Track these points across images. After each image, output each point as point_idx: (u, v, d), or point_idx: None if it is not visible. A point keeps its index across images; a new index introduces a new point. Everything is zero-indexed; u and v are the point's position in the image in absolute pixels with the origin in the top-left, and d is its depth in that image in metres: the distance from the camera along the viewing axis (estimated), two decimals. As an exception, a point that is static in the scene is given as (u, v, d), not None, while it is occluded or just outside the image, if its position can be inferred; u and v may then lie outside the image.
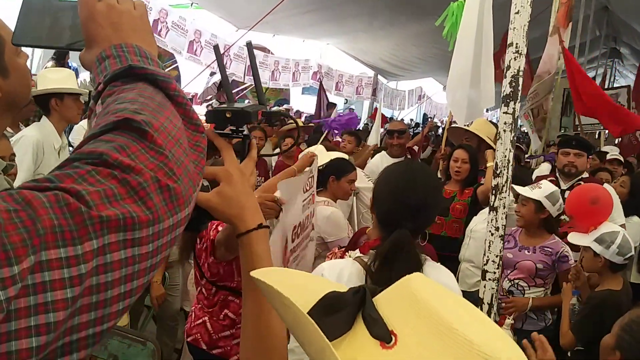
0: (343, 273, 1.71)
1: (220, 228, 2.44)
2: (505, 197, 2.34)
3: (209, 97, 12.88)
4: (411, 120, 20.33)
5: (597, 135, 7.62)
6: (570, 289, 3.22)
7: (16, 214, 0.54)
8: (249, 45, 1.28)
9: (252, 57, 1.24)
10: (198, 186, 0.76)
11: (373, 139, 6.59)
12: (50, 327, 0.54)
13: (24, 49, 1.17)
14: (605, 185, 4.29)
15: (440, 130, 12.72)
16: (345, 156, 3.92)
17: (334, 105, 12.09)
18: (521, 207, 3.43)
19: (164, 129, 0.70)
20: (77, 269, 0.56)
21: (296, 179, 2.71)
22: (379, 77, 14.84)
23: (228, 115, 1.06)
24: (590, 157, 4.46)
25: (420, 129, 16.19)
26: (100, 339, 0.63)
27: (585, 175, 4.44)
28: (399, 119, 19.95)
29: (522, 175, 4.06)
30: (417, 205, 1.69)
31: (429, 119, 15.41)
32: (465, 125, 4.91)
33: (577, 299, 3.16)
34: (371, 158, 5.47)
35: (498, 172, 2.33)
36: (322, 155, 3.82)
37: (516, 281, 3.38)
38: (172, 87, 0.80)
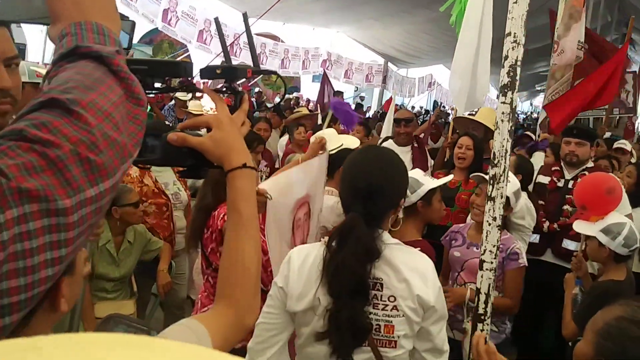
0: (309, 257, 1.74)
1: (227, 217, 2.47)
2: (502, 187, 2.34)
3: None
4: (421, 107, 20.26)
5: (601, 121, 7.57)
6: (572, 278, 3.22)
7: None
8: (244, 15, 1.40)
9: (247, 29, 1.39)
10: (131, 157, 0.80)
11: (385, 131, 6.54)
12: None
13: None
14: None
15: (450, 118, 12.69)
16: (357, 140, 3.92)
17: (341, 93, 12.07)
18: (476, 198, 3.31)
19: (94, 104, 0.74)
20: None
21: (281, 179, 2.67)
22: (389, 64, 14.78)
23: (218, 72, 1.21)
24: (593, 146, 4.40)
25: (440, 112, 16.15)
26: (32, 304, 0.67)
27: (590, 164, 4.39)
28: (409, 106, 19.89)
29: (524, 164, 4.04)
30: (367, 189, 1.71)
31: (439, 107, 15.34)
32: (471, 115, 4.90)
33: (580, 289, 3.16)
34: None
35: (496, 162, 2.33)
36: (334, 139, 3.83)
37: (467, 284, 3.11)
38: (114, 62, 0.83)
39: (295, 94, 15.35)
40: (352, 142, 4.29)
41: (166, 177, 4.03)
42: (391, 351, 1.73)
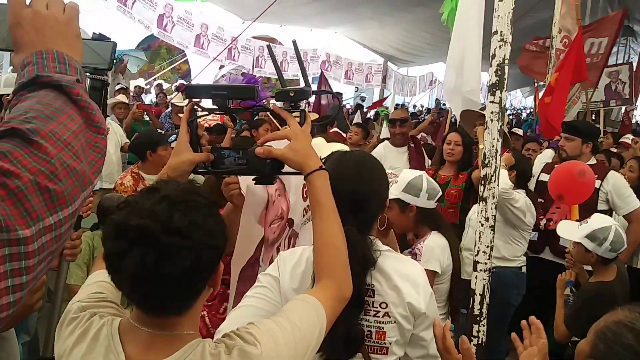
0: (302, 258, 1.67)
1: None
2: (494, 187, 2.32)
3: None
4: (422, 106, 20.22)
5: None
6: (563, 280, 3.17)
7: None
8: (294, 43, 1.66)
9: (297, 53, 1.62)
10: (91, 184, 0.82)
11: (385, 132, 6.49)
12: None
13: None
14: (612, 172, 4.20)
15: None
16: (346, 147, 3.89)
17: (340, 94, 12.04)
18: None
19: (53, 134, 0.76)
20: None
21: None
22: (389, 63, 14.74)
23: (291, 94, 1.44)
24: (588, 143, 4.27)
25: (438, 113, 16.10)
26: None
27: (593, 161, 4.24)
28: (410, 105, 19.82)
29: (518, 161, 3.98)
30: (354, 200, 1.64)
31: (436, 106, 15.28)
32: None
33: (571, 290, 3.11)
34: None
35: (486, 162, 2.31)
36: (322, 147, 3.80)
37: None
38: (74, 92, 0.84)
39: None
40: (341, 149, 4.26)
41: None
42: (382, 357, 1.71)
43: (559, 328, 2.93)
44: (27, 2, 0.95)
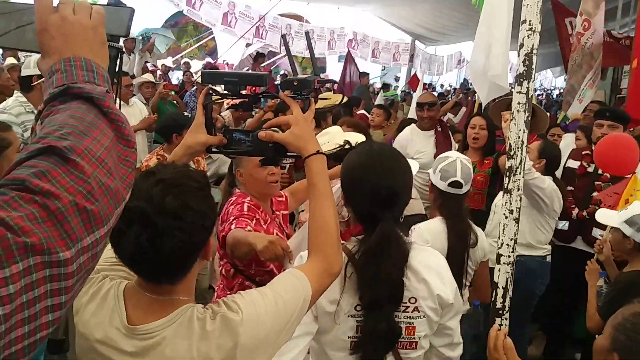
0: None
1: (233, 227, 2.43)
2: (519, 179, 2.27)
3: (245, 69, 12.90)
4: (450, 85, 19.93)
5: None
6: (596, 269, 3.12)
7: None
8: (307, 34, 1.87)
9: (309, 43, 1.81)
10: (124, 201, 0.83)
11: (412, 112, 6.40)
12: None
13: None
14: None
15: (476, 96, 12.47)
16: (362, 137, 3.86)
17: (366, 74, 11.90)
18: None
19: (88, 151, 0.76)
20: (5, 289, 0.63)
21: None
22: (417, 42, 14.53)
23: (295, 83, 1.54)
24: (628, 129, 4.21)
25: (462, 95, 15.85)
26: (36, 348, 0.70)
27: None
28: (437, 84, 19.57)
29: (548, 148, 3.90)
30: (390, 196, 1.66)
31: (461, 87, 14.99)
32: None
33: (605, 281, 3.06)
34: (400, 131, 5.39)
35: (512, 153, 2.26)
36: (337, 136, 3.78)
37: None
38: (105, 104, 0.85)
39: (321, 75, 15.24)
40: (358, 139, 4.23)
41: (185, 167, 4.04)
42: (411, 352, 1.72)
43: (592, 317, 2.90)
44: (54, 6, 0.94)
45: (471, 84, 16.39)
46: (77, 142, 0.76)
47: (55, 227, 0.68)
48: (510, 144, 2.25)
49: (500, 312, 2.34)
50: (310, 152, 1.49)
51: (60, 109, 0.82)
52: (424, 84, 13.44)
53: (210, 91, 1.59)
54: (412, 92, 13.11)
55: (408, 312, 1.68)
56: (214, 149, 1.60)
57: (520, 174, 2.25)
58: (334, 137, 3.78)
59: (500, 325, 2.35)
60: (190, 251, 1.23)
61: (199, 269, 1.33)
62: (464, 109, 10.19)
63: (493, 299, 2.36)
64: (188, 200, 1.19)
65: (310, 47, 1.78)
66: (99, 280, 1.33)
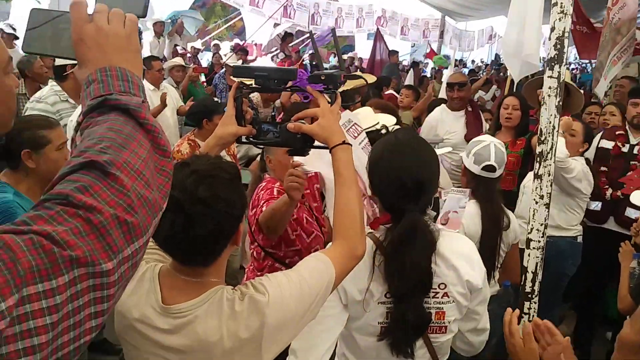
0: None
1: (265, 208, 2.47)
2: (550, 165, 2.26)
3: (273, 49, 12.89)
4: (481, 60, 19.56)
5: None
6: (630, 251, 3.09)
7: None
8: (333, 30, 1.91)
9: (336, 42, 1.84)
10: (161, 210, 0.86)
11: (444, 92, 6.33)
12: (35, 348, 0.66)
13: None
14: None
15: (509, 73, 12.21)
16: (392, 118, 3.84)
17: (396, 52, 11.75)
18: None
19: (127, 164, 0.80)
20: (52, 299, 0.67)
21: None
22: (447, 18, 14.26)
23: (322, 78, 1.62)
24: None
25: (494, 71, 15.55)
26: (80, 352, 0.74)
27: None
28: (468, 60, 19.23)
29: (590, 132, 3.83)
30: (417, 186, 1.67)
31: (490, 65, 14.65)
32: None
33: (639, 262, 3.03)
34: (430, 111, 5.35)
35: (543, 138, 2.25)
36: (368, 117, 3.78)
37: None
38: (141, 116, 0.87)
39: (350, 54, 15.09)
40: (388, 121, 4.22)
41: (216, 152, 4.09)
42: (441, 336, 1.75)
43: (623, 299, 2.89)
44: (90, 14, 0.97)
45: (503, 60, 16.10)
46: (116, 155, 0.79)
47: (98, 239, 0.72)
48: (540, 128, 2.23)
49: (530, 295, 2.35)
50: (336, 142, 1.56)
51: (98, 121, 0.85)
52: (455, 60, 13.24)
53: (241, 85, 1.67)
54: (441, 70, 12.93)
55: (438, 297, 1.70)
56: (243, 139, 1.69)
57: (550, 159, 2.24)
58: (364, 119, 3.77)
59: (529, 309, 2.37)
60: (220, 237, 1.32)
61: (229, 253, 1.41)
62: (494, 86, 10.01)
63: (522, 282, 2.37)
64: (219, 190, 1.28)
65: (336, 43, 1.83)
66: None
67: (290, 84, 1.64)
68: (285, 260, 2.65)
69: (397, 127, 4.26)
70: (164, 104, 5.16)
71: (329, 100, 1.62)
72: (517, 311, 1.67)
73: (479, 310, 1.79)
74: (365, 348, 1.76)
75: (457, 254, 1.72)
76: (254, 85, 1.66)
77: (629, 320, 1.69)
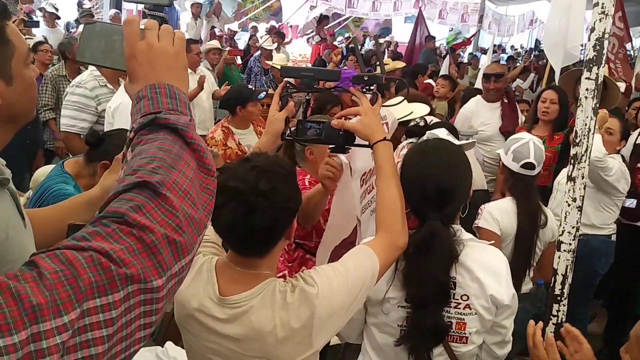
0: None
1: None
2: (584, 167, 2.22)
3: (309, 31, 12.84)
4: (521, 46, 19.12)
5: None
6: None
7: (62, 273, 0.70)
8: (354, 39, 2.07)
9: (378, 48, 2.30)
10: (205, 227, 0.91)
11: (480, 82, 6.23)
12: (92, 358, 0.71)
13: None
14: None
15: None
16: (427, 108, 3.81)
17: (433, 38, 11.55)
18: None
19: (176, 184, 0.84)
20: (109, 313, 0.72)
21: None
22: (487, 2, 13.94)
23: (365, 78, 1.71)
24: None
25: (533, 56, 15.20)
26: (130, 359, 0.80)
27: None
28: (507, 46, 18.82)
29: (628, 128, 3.74)
30: (439, 194, 1.68)
31: (528, 52, 14.24)
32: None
33: None
34: (465, 102, 5.28)
35: (577, 140, 2.21)
36: (401, 108, 3.76)
37: None
38: (189, 135, 0.92)
39: (386, 38, 14.92)
40: (421, 110, 4.18)
41: (249, 139, 4.13)
42: (462, 346, 1.75)
43: None
44: (142, 28, 1.01)
45: (544, 48, 15.72)
46: (166, 176, 0.83)
47: (150, 257, 0.77)
48: (576, 130, 2.20)
49: (559, 298, 2.33)
50: (378, 139, 1.64)
51: (149, 139, 0.90)
52: (494, 46, 12.97)
53: (288, 84, 1.79)
54: (478, 55, 12.69)
55: (459, 308, 1.71)
56: (287, 137, 1.80)
57: (585, 161, 2.21)
58: (397, 108, 3.75)
59: (558, 311, 2.35)
60: (277, 229, 1.41)
61: (283, 247, 1.51)
62: (533, 75, 9.78)
63: (552, 285, 2.35)
64: (277, 184, 1.38)
65: (378, 49, 1.87)
66: None
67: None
68: (315, 252, 2.68)
69: (431, 117, 4.25)
70: (201, 87, 5.21)
71: (371, 100, 1.71)
72: (541, 323, 1.66)
73: (506, 324, 1.78)
74: (384, 346, 1.78)
75: (484, 267, 1.71)
76: (299, 86, 1.76)
77: None
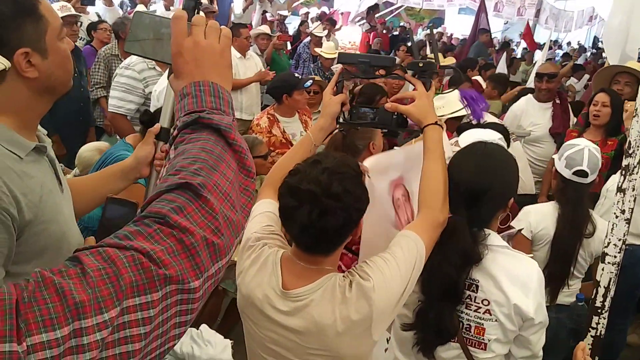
0: None
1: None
2: (635, 179, 2.14)
3: (357, 19, 12.78)
4: (578, 43, 18.50)
5: None
6: None
7: (105, 271, 0.72)
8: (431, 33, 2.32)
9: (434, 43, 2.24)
10: (243, 229, 0.92)
11: (532, 81, 6.09)
12: (129, 354, 0.73)
13: None
14: None
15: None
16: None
17: (486, 31, 11.28)
18: None
19: (216, 186, 0.85)
20: (147, 312, 0.74)
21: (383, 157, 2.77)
22: (545, -5, 13.51)
23: (420, 65, 1.77)
24: None
25: (589, 54, 14.72)
26: (164, 357, 0.82)
27: None
28: (564, 42, 18.26)
29: None
30: (470, 193, 1.68)
31: (577, 49, 13.71)
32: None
33: None
34: (515, 100, 5.17)
35: (631, 151, 2.13)
36: (454, 102, 3.72)
37: None
38: (231, 136, 0.93)
39: (439, 29, 14.68)
40: None
41: (294, 127, 4.15)
42: (481, 352, 1.73)
43: None
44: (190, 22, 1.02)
45: (603, 46, 15.17)
46: (208, 177, 0.85)
47: (188, 259, 0.78)
48: (630, 141, 2.12)
49: (599, 310, 2.27)
50: (429, 122, 1.71)
51: (192, 138, 0.91)
52: (550, 41, 12.58)
53: (344, 70, 1.83)
54: (532, 51, 12.33)
55: (479, 312, 1.70)
56: (341, 122, 1.85)
57: (637, 173, 2.13)
58: (449, 102, 3.72)
59: (598, 324, 2.29)
60: (347, 228, 1.46)
61: (345, 244, 1.55)
62: (587, 75, 9.45)
63: (593, 296, 2.29)
64: (348, 185, 1.42)
65: (433, 38, 2.02)
66: (259, 247, 1.58)
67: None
68: (352, 247, 2.69)
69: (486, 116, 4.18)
70: (256, 79, 5.32)
71: (425, 86, 1.77)
72: (587, 350, 1.63)
73: (533, 339, 1.74)
74: (404, 339, 1.80)
75: (510, 276, 1.69)
76: (355, 72, 1.83)
77: None
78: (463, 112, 3.73)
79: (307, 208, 1.39)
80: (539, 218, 2.76)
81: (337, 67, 2.12)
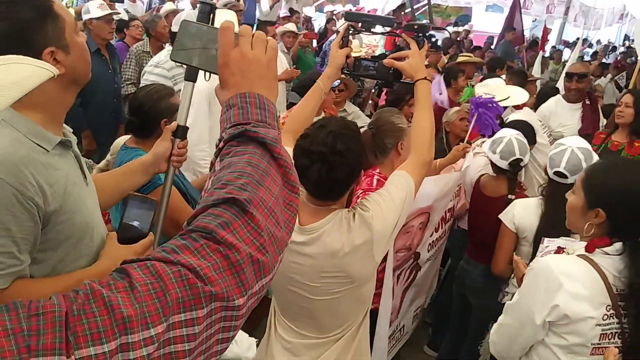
0: (573, 273, 1.68)
1: (360, 200, 2.57)
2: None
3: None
4: (609, 41, 18.14)
5: None
6: None
7: (152, 286, 0.72)
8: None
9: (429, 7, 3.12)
10: (286, 245, 0.91)
11: (561, 83, 5.99)
12: None
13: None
14: None
15: None
16: (526, 94, 3.77)
17: (514, 29, 11.13)
18: None
19: (262, 202, 0.85)
20: (192, 328, 0.74)
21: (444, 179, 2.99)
22: (576, -8, 13.30)
23: (415, 27, 2.06)
24: None
25: (618, 53, 14.45)
26: None
27: None
28: (594, 40, 17.93)
29: None
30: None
31: (604, 46, 13.34)
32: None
33: None
34: (542, 100, 5.10)
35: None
36: (499, 89, 3.70)
37: None
38: (276, 150, 0.92)
39: (465, 26, 14.54)
40: (520, 96, 4.07)
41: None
42: None
43: None
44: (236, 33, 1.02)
45: (634, 45, 14.88)
46: (254, 193, 0.84)
47: (233, 276, 0.78)
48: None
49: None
50: (420, 77, 2.03)
51: (237, 151, 0.91)
52: (577, 39, 12.35)
53: (350, 26, 2.12)
54: (561, 48, 12.16)
55: None
56: (345, 72, 2.17)
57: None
58: (493, 89, 3.69)
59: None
60: (351, 179, 1.76)
61: (350, 190, 1.84)
62: (610, 74, 9.27)
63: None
64: (350, 144, 1.71)
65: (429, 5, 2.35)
66: None
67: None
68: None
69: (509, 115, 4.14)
70: (283, 77, 5.33)
71: (418, 45, 2.06)
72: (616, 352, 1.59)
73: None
74: None
75: None
76: (359, 28, 2.13)
77: None
78: (507, 103, 3.74)
79: (318, 166, 1.68)
80: (522, 212, 2.83)
81: (343, 24, 2.39)
